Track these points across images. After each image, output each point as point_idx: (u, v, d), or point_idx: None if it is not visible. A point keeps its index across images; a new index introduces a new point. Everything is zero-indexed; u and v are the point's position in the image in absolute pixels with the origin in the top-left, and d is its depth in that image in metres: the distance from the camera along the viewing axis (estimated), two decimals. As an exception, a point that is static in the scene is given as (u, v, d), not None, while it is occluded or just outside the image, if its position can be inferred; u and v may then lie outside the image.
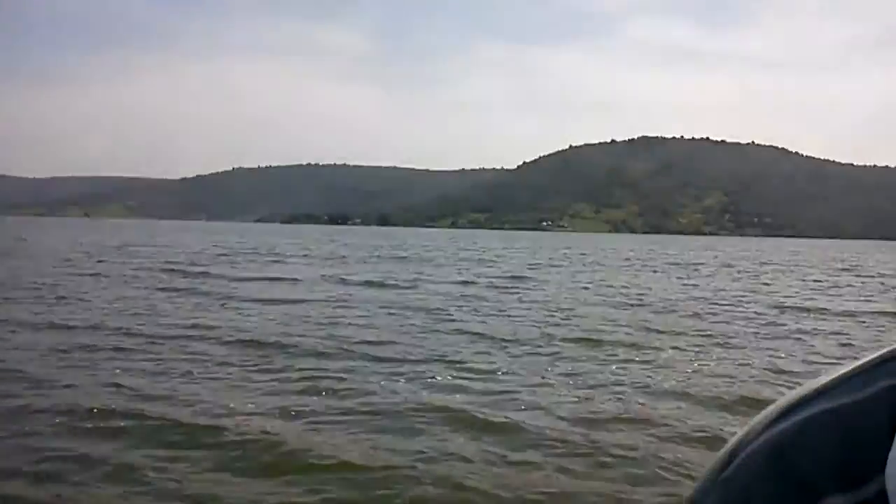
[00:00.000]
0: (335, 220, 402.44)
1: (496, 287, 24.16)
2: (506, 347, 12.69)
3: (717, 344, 13.46)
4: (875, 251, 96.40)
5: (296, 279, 25.98)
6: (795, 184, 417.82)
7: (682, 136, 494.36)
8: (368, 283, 24.83)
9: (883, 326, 16.49)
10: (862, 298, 23.23)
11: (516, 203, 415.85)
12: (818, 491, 0.54)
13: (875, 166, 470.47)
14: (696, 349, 12.71)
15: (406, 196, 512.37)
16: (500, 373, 10.56)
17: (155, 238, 70.93)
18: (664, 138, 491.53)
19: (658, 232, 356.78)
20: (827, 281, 31.37)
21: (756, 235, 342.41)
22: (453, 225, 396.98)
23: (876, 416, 0.55)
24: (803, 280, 32.18)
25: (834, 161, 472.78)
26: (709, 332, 14.80)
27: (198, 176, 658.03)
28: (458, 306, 18.12)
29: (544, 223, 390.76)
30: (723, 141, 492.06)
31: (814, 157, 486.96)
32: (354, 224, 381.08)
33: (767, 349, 13.05)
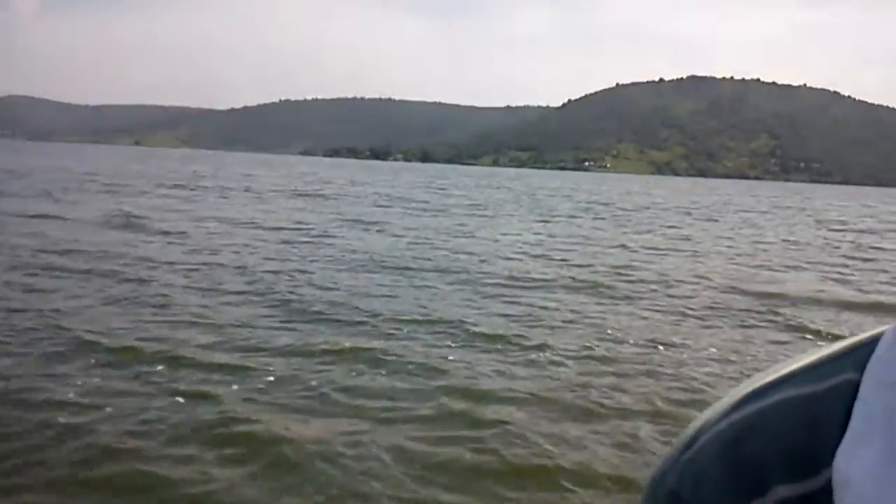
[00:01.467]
0: (377, 154, 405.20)
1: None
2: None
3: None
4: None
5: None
6: (846, 129, 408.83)
7: (731, 77, 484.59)
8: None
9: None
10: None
11: (560, 142, 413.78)
12: (768, 479, 0.55)
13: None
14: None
15: (449, 132, 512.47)
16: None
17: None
18: (713, 78, 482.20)
19: (703, 175, 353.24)
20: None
21: (802, 181, 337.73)
22: (495, 163, 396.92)
23: (833, 408, 0.56)
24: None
25: (888, 106, 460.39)
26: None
27: (245, 107, 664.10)
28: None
29: (587, 163, 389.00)
30: (774, 82, 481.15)
31: (867, 102, 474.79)
32: (396, 160, 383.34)
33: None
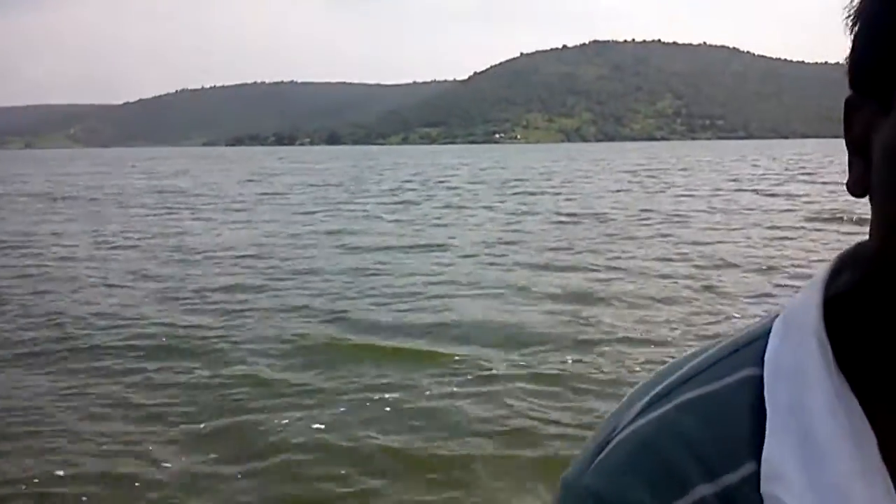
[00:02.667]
0: (282, 140, 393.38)
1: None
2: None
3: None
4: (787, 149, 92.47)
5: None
6: (747, 84, 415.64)
7: (633, 40, 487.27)
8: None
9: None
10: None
11: (469, 116, 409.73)
12: (686, 480, 0.56)
13: (826, 63, 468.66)
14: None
15: (357, 112, 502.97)
16: None
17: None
18: (615, 42, 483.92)
19: (612, 139, 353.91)
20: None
21: (708, 139, 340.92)
22: (405, 141, 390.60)
23: (739, 404, 0.57)
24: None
25: (786, 59, 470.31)
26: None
27: (140, 100, 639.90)
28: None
29: (497, 135, 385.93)
30: (674, 42, 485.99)
31: (766, 56, 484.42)
32: (302, 144, 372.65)
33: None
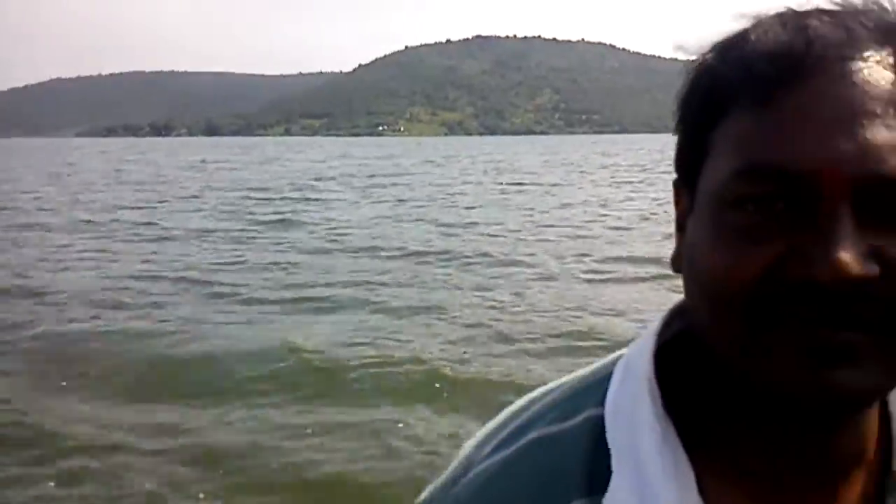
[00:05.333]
0: (158, 131, 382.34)
1: None
2: None
3: None
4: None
5: None
6: (622, 79, 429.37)
7: (514, 35, 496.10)
8: None
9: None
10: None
11: (353, 107, 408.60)
12: None
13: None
14: None
15: (239, 103, 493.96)
16: None
17: None
18: (498, 37, 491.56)
19: (493, 133, 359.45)
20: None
21: (585, 133, 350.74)
22: (287, 132, 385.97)
23: (577, 446, 0.62)
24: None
25: (659, 56, 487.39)
26: None
27: (11, 89, 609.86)
28: None
29: (381, 128, 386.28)
30: (554, 39, 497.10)
31: (640, 53, 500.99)
32: (179, 135, 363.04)
33: None
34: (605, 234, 15.46)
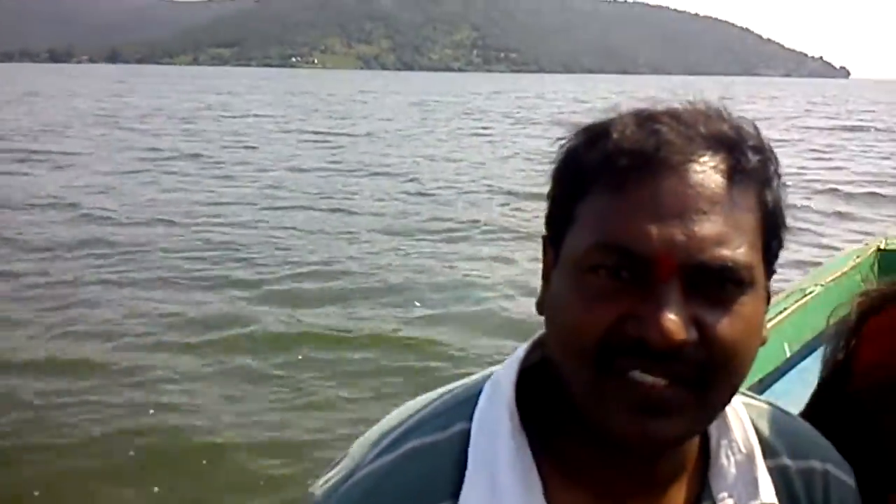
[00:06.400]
0: (57, 57, 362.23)
1: None
2: None
3: None
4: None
5: None
6: (541, 18, 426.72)
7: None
8: None
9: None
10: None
11: (264, 37, 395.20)
12: None
13: (615, 0, 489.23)
14: None
15: (145, 29, 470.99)
16: None
17: None
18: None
19: (410, 68, 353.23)
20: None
21: (502, 71, 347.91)
22: (195, 62, 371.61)
23: (448, 456, 0.72)
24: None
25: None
26: None
27: None
28: None
29: (294, 59, 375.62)
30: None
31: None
32: (80, 62, 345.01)
33: None
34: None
